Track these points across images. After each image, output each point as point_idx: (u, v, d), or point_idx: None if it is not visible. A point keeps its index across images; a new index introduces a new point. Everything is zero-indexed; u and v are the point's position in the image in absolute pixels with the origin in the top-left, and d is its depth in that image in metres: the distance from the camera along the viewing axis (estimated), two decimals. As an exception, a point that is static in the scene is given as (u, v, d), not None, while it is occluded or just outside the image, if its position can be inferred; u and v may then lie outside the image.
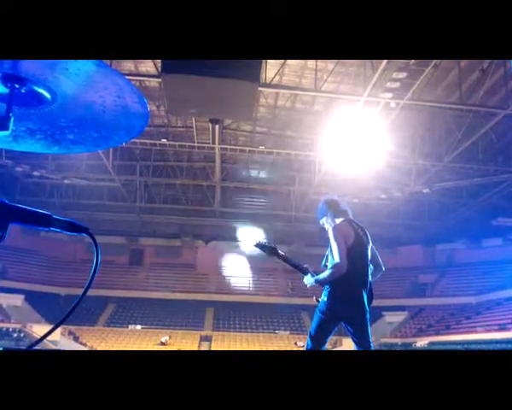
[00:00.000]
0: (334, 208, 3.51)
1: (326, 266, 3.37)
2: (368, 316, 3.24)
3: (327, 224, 3.51)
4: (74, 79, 1.22)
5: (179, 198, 25.93)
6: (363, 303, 3.22)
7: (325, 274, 3.29)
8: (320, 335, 3.21)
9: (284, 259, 3.55)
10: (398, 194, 21.43)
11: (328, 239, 3.32)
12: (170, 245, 31.20)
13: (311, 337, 3.21)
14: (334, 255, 3.21)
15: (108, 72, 1.22)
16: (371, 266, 3.40)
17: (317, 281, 3.35)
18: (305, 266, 3.48)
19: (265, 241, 3.60)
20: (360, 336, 3.20)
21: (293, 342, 24.80)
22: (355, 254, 3.24)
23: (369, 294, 3.31)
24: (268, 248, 3.54)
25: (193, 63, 10.28)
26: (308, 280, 3.39)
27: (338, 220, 3.44)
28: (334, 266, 3.20)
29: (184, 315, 27.78)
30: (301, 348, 22.92)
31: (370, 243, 3.42)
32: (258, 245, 3.55)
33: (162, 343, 23.66)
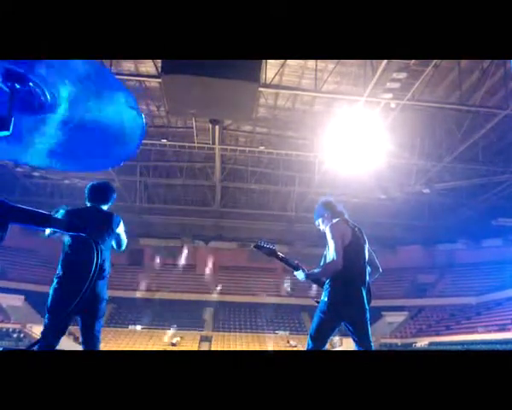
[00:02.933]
0: (331, 210, 3.54)
1: None
2: (368, 315, 3.25)
3: (323, 225, 3.55)
4: (74, 82, 1.22)
5: (179, 198, 25.92)
6: (363, 302, 3.24)
7: (318, 270, 3.35)
8: (321, 335, 3.22)
9: (283, 260, 3.58)
10: (398, 194, 21.42)
11: (326, 239, 3.35)
12: (170, 245, 31.20)
13: (311, 337, 3.21)
14: (330, 253, 3.25)
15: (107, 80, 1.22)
16: (368, 268, 3.42)
17: (308, 276, 3.39)
18: (296, 261, 3.51)
19: (264, 242, 3.63)
20: (360, 335, 3.22)
21: (295, 342, 24.78)
22: (352, 252, 3.27)
23: (368, 293, 3.32)
24: (267, 250, 3.58)
25: (193, 63, 10.27)
26: (299, 275, 3.42)
27: (335, 221, 3.46)
28: (329, 263, 3.23)
29: (184, 315, 27.78)
30: (294, 348, 22.90)
31: (367, 243, 3.44)
32: (258, 247, 3.60)
33: (173, 344, 23.65)
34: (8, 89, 1.20)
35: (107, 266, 3.25)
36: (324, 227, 3.48)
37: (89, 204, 3.44)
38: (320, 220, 3.58)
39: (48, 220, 1.09)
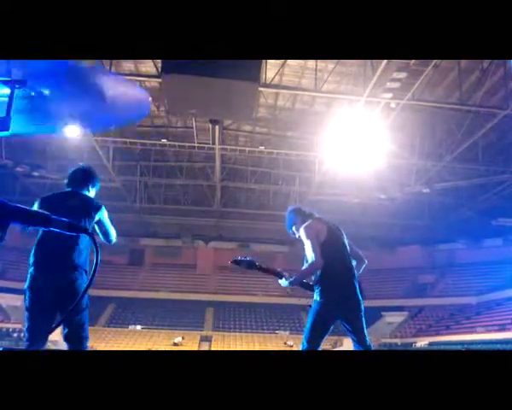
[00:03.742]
0: (300, 215, 3.58)
1: None
2: (362, 307, 3.24)
3: (297, 232, 3.56)
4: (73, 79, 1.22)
5: (179, 198, 25.91)
6: (356, 293, 3.23)
7: (299, 274, 3.35)
8: (316, 335, 3.21)
9: (265, 270, 3.55)
10: (398, 194, 21.41)
11: (302, 243, 3.36)
12: (170, 245, 31.21)
13: (306, 338, 3.20)
14: (308, 253, 3.26)
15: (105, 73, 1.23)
16: (354, 261, 3.43)
17: (292, 282, 3.38)
18: (279, 269, 3.52)
19: (241, 257, 3.58)
20: (356, 328, 3.21)
21: (292, 342, 24.77)
22: (332, 247, 3.30)
23: (359, 286, 3.31)
24: (246, 263, 3.52)
25: (193, 63, 10.27)
26: (283, 283, 3.41)
27: (307, 223, 3.47)
28: (309, 264, 3.24)
29: (184, 315, 27.78)
30: (292, 348, 22.87)
31: (344, 236, 3.45)
32: (236, 262, 3.52)
33: (175, 344, 23.69)
34: (9, 88, 1.21)
35: (86, 255, 3.03)
36: (298, 232, 3.50)
37: (68, 189, 3.24)
38: (294, 228, 3.60)
39: (48, 220, 1.09)
